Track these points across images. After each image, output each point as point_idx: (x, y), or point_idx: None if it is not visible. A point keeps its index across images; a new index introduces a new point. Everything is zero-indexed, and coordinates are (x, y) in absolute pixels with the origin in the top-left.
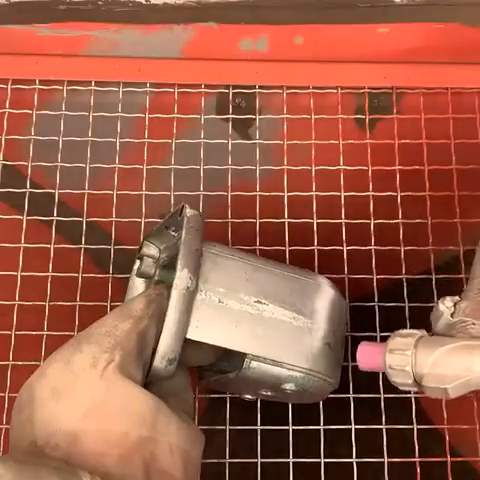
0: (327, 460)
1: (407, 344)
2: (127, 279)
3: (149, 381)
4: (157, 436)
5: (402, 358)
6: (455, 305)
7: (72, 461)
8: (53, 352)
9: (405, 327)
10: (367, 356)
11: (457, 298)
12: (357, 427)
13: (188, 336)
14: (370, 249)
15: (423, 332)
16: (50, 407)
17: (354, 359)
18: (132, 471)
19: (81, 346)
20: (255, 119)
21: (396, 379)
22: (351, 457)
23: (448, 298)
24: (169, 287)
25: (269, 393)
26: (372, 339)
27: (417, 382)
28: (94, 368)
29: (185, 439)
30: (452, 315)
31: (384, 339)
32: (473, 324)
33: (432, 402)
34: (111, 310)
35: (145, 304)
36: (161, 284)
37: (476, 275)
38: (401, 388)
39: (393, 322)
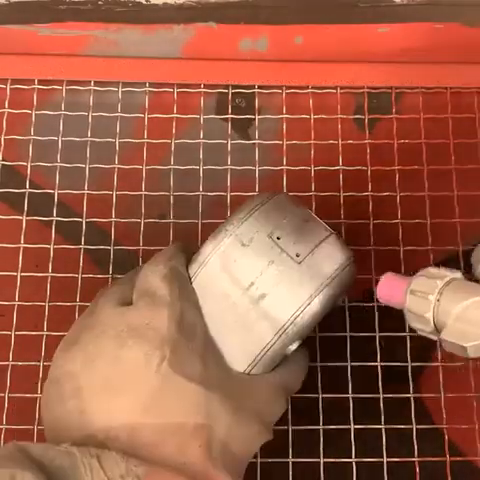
0: (326, 460)
1: (432, 287)
2: None
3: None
4: (212, 423)
5: (424, 302)
6: None
7: (130, 452)
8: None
9: (404, 327)
10: (388, 290)
11: None
12: (356, 427)
13: None
14: (369, 249)
15: (456, 274)
16: (104, 400)
17: (353, 359)
18: (189, 459)
19: (126, 340)
20: (254, 119)
21: (415, 324)
22: (350, 457)
23: None
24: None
25: None
26: (371, 339)
27: (438, 331)
28: (148, 364)
29: (235, 432)
30: None
31: (384, 339)
32: None
33: (433, 402)
34: None
35: (167, 285)
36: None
37: None
38: (420, 334)
39: (392, 322)
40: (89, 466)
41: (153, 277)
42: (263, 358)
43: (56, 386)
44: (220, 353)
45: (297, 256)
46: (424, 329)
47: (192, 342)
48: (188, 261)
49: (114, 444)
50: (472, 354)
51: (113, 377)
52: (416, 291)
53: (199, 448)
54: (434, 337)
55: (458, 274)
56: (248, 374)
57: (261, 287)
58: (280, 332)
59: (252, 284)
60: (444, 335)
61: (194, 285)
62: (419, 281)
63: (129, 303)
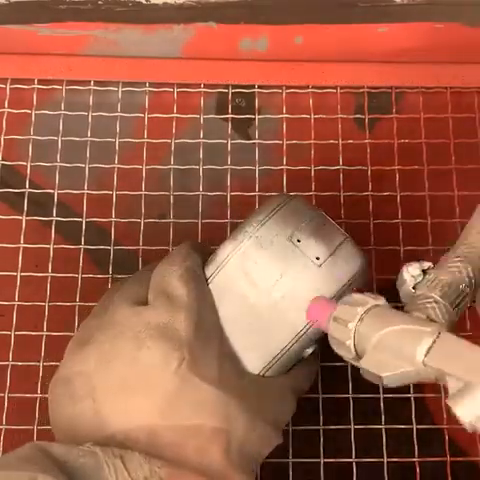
0: (326, 460)
1: (353, 315)
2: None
3: None
4: (229, 427)
5: (344, 330)
6: (424, 273)
7: (153, 453)
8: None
9: None
10: (315, 313)
11: (428, 265)
12: (356, 427)
13: None
14: (370, 249)
15: (379, 301)
16: (121, 401)
17: None
18: (208, 460)
19: (145, 341)
20: (254, 119)
21: (338, 351)
22: (351, 457)
23: (415, 265)
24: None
25: None
26: None
27: (360, 358)
28: (167, 366)
29: (251, 435)
30: (416, 286)
31: None
32: (435, 303)
33: (433, 401)
34: None
35: (184, 285)
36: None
37: (459, 242)
38: (346, 359)
39: None
40: (113, 466)
41: (169, 277)
42: (279, 361)
43: (66, 386)
44: (236, 355)
45: (317, 259)
46: (347, 355)
47: (209, 344)
48: (204, 261)
49: (135, 445)
50: (389, 384)
51: (130, 378)
52: (338, 318)
53: (218, 450)
54: (357, 364)
55: (381, 301)
56: (263, 376)
57: (280, 290)
58: (298, 336)
59: (271, 286)
60: (363, 363)
61: (211, 286)
62: (342, 308)
63: (144, 303)
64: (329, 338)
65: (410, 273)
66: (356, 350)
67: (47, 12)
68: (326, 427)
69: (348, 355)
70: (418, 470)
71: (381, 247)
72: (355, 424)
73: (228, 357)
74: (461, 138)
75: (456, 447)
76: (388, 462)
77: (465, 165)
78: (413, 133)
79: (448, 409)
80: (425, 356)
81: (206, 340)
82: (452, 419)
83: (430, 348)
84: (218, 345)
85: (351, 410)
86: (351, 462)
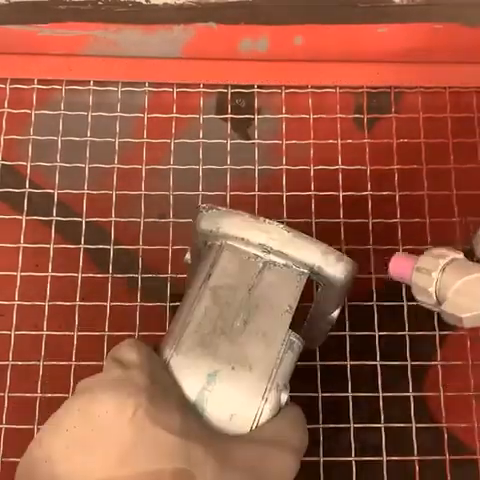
0: (326, 459)
1: (435, 265)
2: (127, 279)
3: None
4: (193, 469)
5: (427, 279)
6: None
7: None
8: (51, 415)
9: (403, 326)
10: (397, 267)
11: None
12: (356, 426)
13: None
14: (368, 248)
15: (457, 255)
16: (77, 461)
17: (353, 359)
18: None
19: (96, 395)
20: (254, 119)
21: (419, 297)
22: (350, 456)
23: None
24: None
25: None
26: (370, 339)
27: (439, 304)
28: (121, 415)
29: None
30: None
31: (382, 340)
32: None
33: (433, 400)
34: (110, 310)
35: (135, 350)
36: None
37: None
38: (424, 306)
39: (391, 321)
40: None
41: (120, 346)
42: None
43: (25, 458)
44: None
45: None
46: (427, 302)
47: (168, 396)
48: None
49: None
50: (468, 324)
51: (83, 434)
52: (422, 268)
53: None
54: (436, 309)
55: (460, 255)
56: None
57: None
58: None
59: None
60: (444, 307)
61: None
62: (425, 259)
63: None
64: (413, 286)
65: None
66: (437, 296)
67: (47, 12)
68: (325, 426)
69: (429, 301)
70: (417, 469)
71: (380, 246)
72: (354, 423)
73: (192, 415)
74: (460, 138)
75: (456, 446)
76: (387, 461)
77: (464, 165)
78: (412, 133)
79: (447, 407)
80: None
81: (164, 392)
82: (451, 417)
83: None
84: (178, 402)
85: (350, 409)
86: (350, 461)
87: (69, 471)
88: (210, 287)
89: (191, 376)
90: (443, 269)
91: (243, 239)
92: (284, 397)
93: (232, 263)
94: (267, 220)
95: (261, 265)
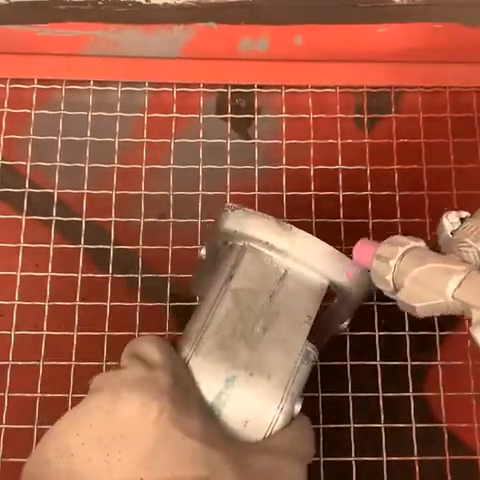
0: (326, 459)
1: (394, 252)
2: (127, 279)
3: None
4: (212, 476)
5: (385, 266)
6: (462, 221)
7: None
8: (78, 404)
9: (404, 325)
10: (361, 254)
11: (466, 214)
12: (356, 426)
13: None
14: None
15: (418, 243)
16: (98, 459)
17: (353, 359)
18: None
19: (120, 394)
20: (254, 119)
21: (378, 285)
22: (350, 456)
23: (454, 213)
24: None
25: None
26: (370, 339)
27: (397, 292)
28: (145, 417)
29: None
30: (453, 232)
31: (382, 340)
32: (469, 247)
33: (433, 400)
34: (110, 310)
35: (157, 350)
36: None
37: None
38: (383, 293)
39: (392, 321)
40: None
41: (141, 343)
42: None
43: (40, 449)
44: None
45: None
46: (385, 289)
47: (189, 400)
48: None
49: None
50: (421, 313)
51: (107, 434)
52: (381, 256)
53: None
54: (393, 296)
55: (421, 243)
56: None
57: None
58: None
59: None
60: (399, 295)
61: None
62: (384, 247)
63: None
64: (371, 273)
65: (449, 220)
66: (394, 284)
67: (47, 12)
68: (326, 426)
69: (387, 288)
70: (417, 469)
71: None
72: (355, 423)
73: (211, 420)
74: (460, 138)
75: (456, 446)
76: (387, 461)
77: (464, 164)
78: (412, 133)
79: (447, 407)
80: (455, 291)
81: (186, 395)
82: (452, 417)
83: (460, 284)
84: (199, 405)
85: (351, 409)
86: (351, 461)
87: (86, 469)
88: (231, 289)
89: (210, 379)
90: (401, 257)
91: (267, 243)
92: (298, 407)
93: (254, 266)
94: (293, 227)
95: (283, 271)
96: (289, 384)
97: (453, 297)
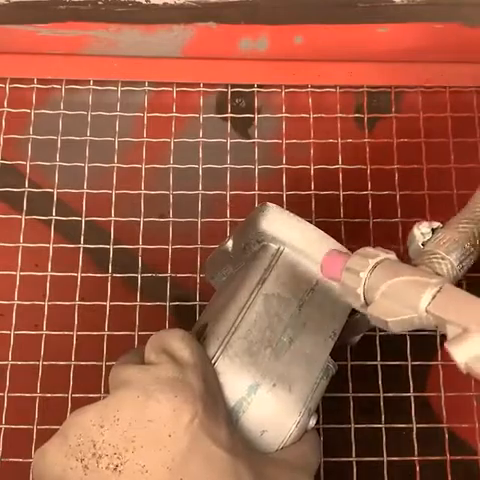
0: (326, 459)
1: (364, 265)
2: (126, 278)
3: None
4: None
5: (355, 279)
6: (433, 232)
7: None
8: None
9: None
10: (329, 266)
11: (438, 224)
12: (357, 426)
13: None
14: None
15: (389, 255)
16: (125, 463)
17: (353, 359)
18: None
19: (154, 394)
20: (254, 118)
21: (347, 298)
22: (351, 456)
23: (425, 223)
24: None
25: None
26: (370, 338)
27: (367, 306)
28: (178, 421)
29: None
30: (424, 243)
31: (383, 340)
32: (442, 259)
33: (434, 400)
34: (110, 310)
35: (187, 346)
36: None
37: (468, 207)
38: (353, 307)
39: None
40: None
41: (170, 339)
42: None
43: (61, 439)
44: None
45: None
46: (355, 303)
47: (217, 405)
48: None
49: None
50: (393, 329)
51: (136, 432)
52: (350, 268)
53: None
54: (364, 311)
55: (392, 255)
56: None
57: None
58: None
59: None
60: (370, 310)
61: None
62: (354, 259)
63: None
64: (340, 286)
65: (420, 230)
66: (365, 298)
67: (47, 12)
68: (326, 426)
69: (357, 302)
70: (418, 469)
71: (380, 246)
72: (355, 423)
73: (234, 428)
74: (460, 137)
75: (456, 446)
76: (388, 461)
77: (464, 164)
78: (412, 132)
79: (448, 408)
80: (428, 304)
81: (214, 400)
82: (452, 417)
83: (433, 297)
84: (225, 412)
85: (351, 409)
86: (351, 461)
87: (110, 466)
88: (263, 293)
89: (234, 383)
90: (372, 270)
91: (304, 251)
92: (312, 422)
93: (287, 273)
94: (332, 239)
95: (314, 283)
96: (308, 399)
97: (426, 311)
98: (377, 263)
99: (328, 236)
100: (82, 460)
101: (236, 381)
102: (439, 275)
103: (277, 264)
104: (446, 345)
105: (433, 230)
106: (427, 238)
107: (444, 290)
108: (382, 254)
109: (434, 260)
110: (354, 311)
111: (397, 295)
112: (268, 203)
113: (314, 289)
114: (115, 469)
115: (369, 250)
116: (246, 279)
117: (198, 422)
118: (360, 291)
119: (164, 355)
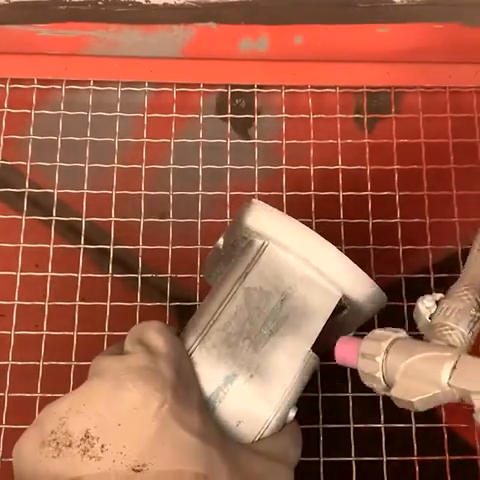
0: (326, 459)
1: (378, 349)
2: (127, 279)
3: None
4: (210, 474)
5: (373, 364)
6: (437, 304)
7: None
8: (76, 388)
9: (404, 326)
10: (344, 353)
11: (440, 295)
12: (356, 426)
13: None
14: (368, 248)
15: (399, 333)
16: (96, 448)
17: None
18: None
19: (125, 383)
20: (254, 119)
21: (369, 383)
22: (350, 456)
23: (428, 297)
24: None
25: None
26: None
27: (390, 388)
28: (147, 408)
29: None
30: (431, 317)
31: None
32: (451, 330)
33: None
34: (110, 310)
35: (162, 336)
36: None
37: (465, 273)
38: (376, 392)
39: (392, 321)
40: None
41: (146, 329)
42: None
43: (35, 429)
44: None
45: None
46: (378, 387)
47: (189, 393)
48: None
49: None
50: (420, 408)
51: (106, 419)
52: (365, 354)
53: None
54: (388, 394)
55: (402, 333)
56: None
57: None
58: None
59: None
60: (393, 392)
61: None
62: (367, 344)
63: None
64: (360, 373)
65: (425, 305)
66: (385, 381)
67: (47, 12)
68: (326, 426)
69: (379, 386)
70: (417, 469)
71: (380, 246)
72: (354, 423)
73: (208, 417)
74: (460, 138)
75: (456, 446)
76: (387, 461)
77: (464, 165)
78: (412, 133)
79: (447, 407)
80: (449, 378)
81: (187, 389)
82: (452, 417)
83: (453, 371)
84: (198, 401)
85: (350, 409)
86: (351, 461)
87: (90, 456)
88: (245, 287)
89: (210, 373)
90: (386, 352)
91: (288, 246)
92: (292, 414)
93: (270, 267)
94: (317, 235)
95: (298, 277)
96: (287, 391)
97: (449, 385)
98: (390, 344)
99: (312, 231)
100: (56, 446)
101: (213, 371)
102: (452, 346)
103: (261, 259)
104: (474, 416)
105: (437, 302)
106: (433, 311)
107: (461, 361)
108: (393, 334)
109: (445, 332)
110: (340, 308)
111: (417, 374)
112: (253, 200)
113: (298, 284)
114: (87, 454)
115: (378, 332)
116: (229, 274)
117: (167, 408)
118: (379, 375)
119: (139, 345)
